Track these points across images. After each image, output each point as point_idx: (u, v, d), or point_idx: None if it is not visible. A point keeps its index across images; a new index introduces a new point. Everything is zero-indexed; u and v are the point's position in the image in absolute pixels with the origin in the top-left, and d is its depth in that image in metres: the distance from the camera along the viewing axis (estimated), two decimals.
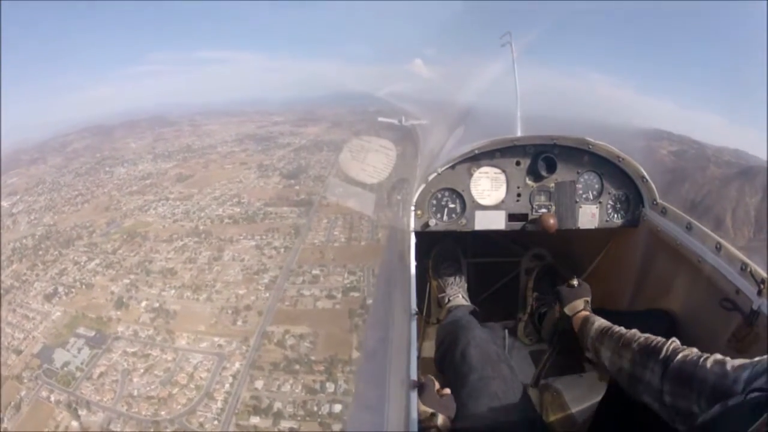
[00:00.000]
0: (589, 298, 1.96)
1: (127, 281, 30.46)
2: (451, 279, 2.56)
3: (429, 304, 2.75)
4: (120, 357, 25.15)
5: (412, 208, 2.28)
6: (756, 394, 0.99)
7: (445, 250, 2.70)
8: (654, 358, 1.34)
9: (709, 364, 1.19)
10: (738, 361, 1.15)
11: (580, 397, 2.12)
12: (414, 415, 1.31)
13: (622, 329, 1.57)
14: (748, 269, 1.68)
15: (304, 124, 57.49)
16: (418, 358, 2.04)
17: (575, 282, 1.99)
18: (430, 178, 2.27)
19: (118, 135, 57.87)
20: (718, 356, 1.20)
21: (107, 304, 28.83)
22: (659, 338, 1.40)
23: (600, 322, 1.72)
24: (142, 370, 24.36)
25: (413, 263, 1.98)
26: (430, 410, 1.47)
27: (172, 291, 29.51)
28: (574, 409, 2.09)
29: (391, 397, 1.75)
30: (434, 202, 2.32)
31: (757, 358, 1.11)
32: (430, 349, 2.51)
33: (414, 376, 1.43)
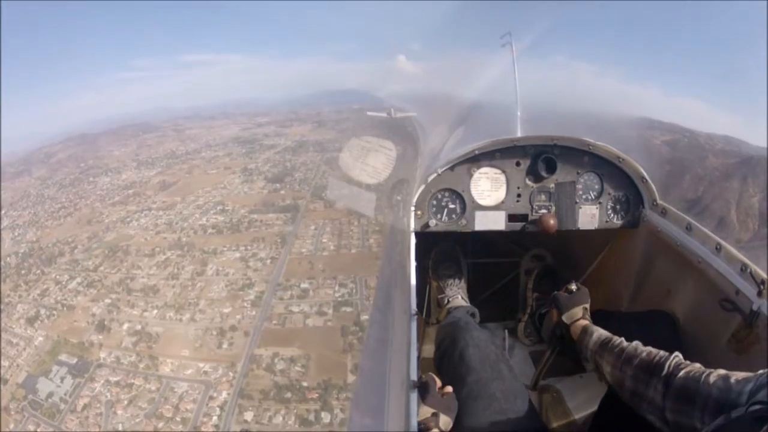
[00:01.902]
0: (587, 305, 1.81)
1: (108, 301, 29.38)
2: (451, 280, 2.57)
3: (429, 304, 2.76)
4: (103, 387, 24.01)
5: (412, 208, 2.27)
6: (758, 406, 0.99)
7: (445, 250, 2.70)
8: (657, 375, 1.32)
9: (712, 378, 1.17)
10: (741, 374, 1.13)
11: (580, 397, 2.10)
12: (414, 416, 1.30)
13: (623, 342, 1.51)
14: (748, 270, 1.66)
15: (290, 125, 57.48)
16: (418, 358, 2.10)
17: (573, 287, 1.84)
18: (430, 178, 2.26)
19: (102, 143, 57.28)
20: (722, 371, 1.19)
21: (89, 327, 27.79)
22: (662, 353, 1.37)
23: (599, 333, 1.63)
24: (126, 402, 23.21)
25: (413, 264, 1.97)
26: (432, 410, 1.44)
27: (155, 311, 28.29)
28: (574, 410, 2.06)
29: (391, 398, 1.69)
30: (434, 202, 2.31)
31: (761, 371, 1.09)
32: (430, 350, 2.45)
33: (414, 377, 1.42)
